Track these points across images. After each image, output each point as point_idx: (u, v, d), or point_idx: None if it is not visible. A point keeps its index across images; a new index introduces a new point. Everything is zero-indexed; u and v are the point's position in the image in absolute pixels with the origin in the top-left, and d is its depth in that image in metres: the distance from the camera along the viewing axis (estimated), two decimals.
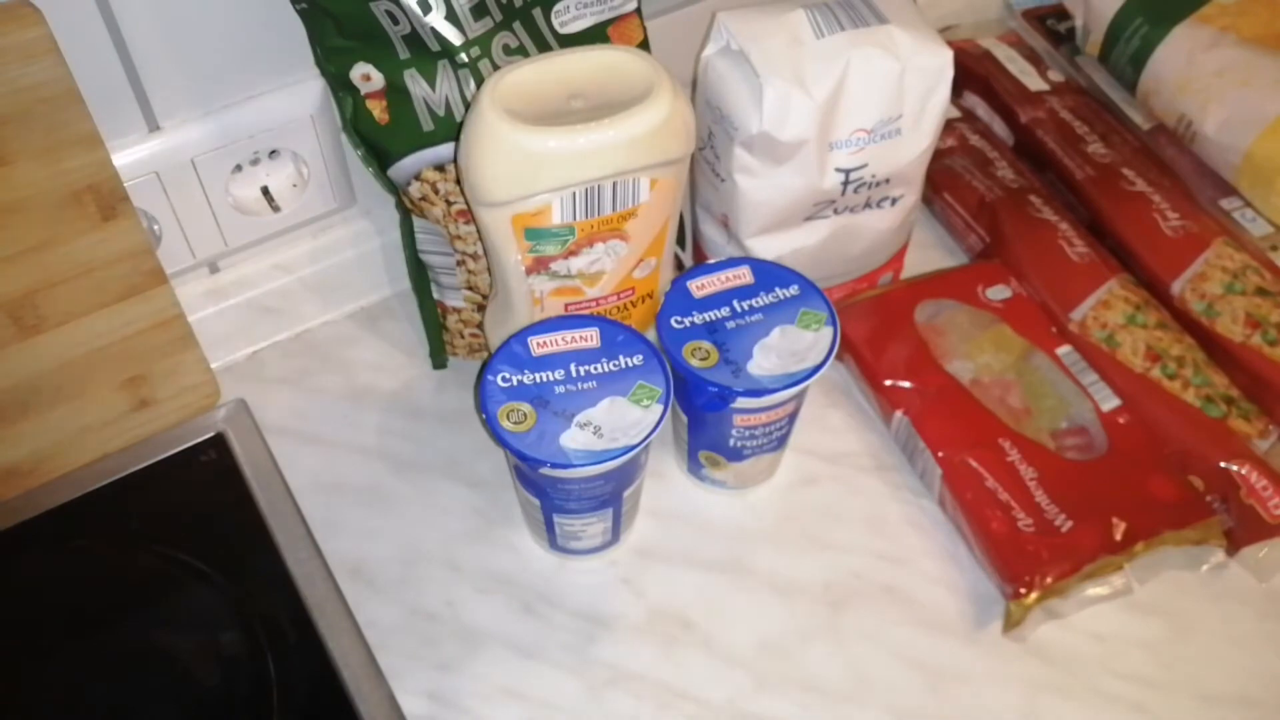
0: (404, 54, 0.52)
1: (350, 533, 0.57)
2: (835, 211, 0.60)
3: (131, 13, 0.52)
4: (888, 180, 0.59)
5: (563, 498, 0.51)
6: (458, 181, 0.54)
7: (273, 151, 0.60)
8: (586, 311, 0.55)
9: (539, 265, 0.53)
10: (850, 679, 0.53)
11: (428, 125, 0.54)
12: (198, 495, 0.58)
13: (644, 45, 0.58)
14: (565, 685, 0.53)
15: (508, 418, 0.48)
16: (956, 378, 0.60)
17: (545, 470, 0.48)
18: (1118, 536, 0.54)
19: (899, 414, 0.60)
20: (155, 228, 0.59)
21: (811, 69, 0.54)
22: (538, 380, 0.50)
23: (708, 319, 0.53)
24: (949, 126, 0.74)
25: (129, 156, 0.56)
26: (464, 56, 0.52)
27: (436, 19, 0.51)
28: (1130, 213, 0.67)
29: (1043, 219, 0.67)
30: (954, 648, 0.54)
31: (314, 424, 0.62)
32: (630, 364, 0.50)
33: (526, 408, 0.49)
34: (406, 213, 0.58)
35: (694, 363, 0.52)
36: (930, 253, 0.71)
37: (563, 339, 0.51)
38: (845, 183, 0.58)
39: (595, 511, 0.52)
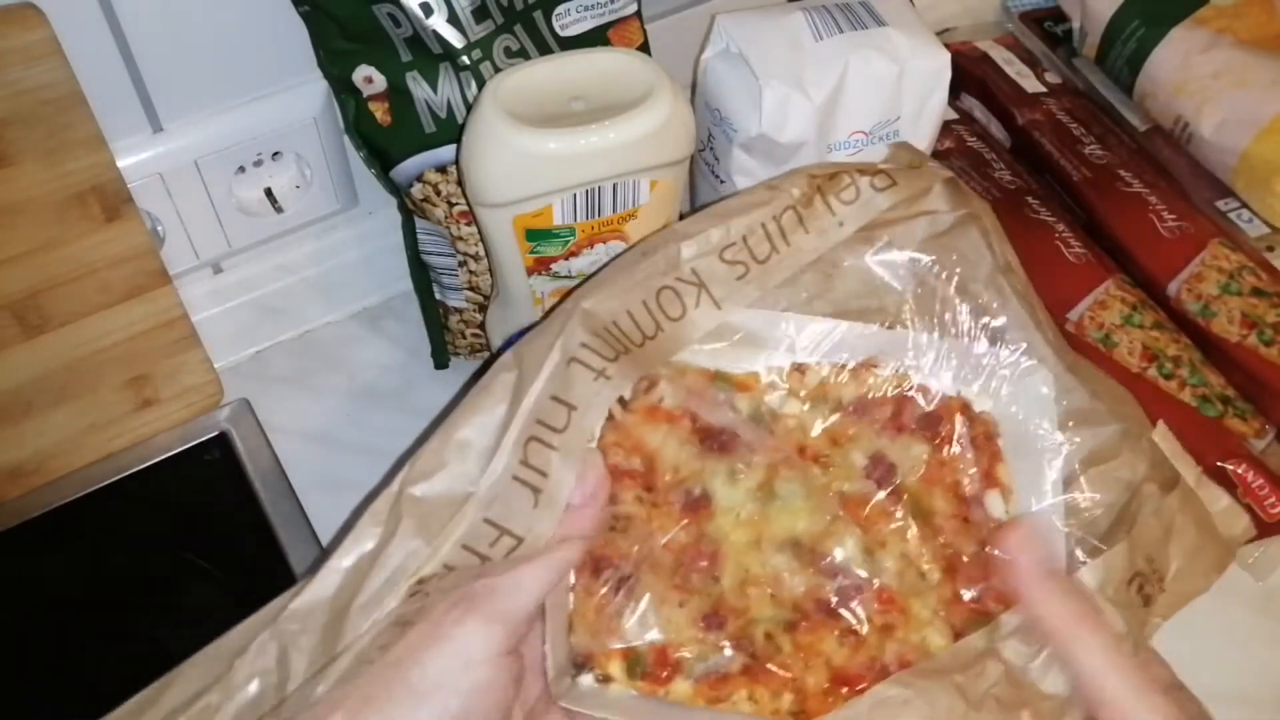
0: (406, 56, 0.53)
1: None
2: None
3: (135, 15, 0.52)
4: None
5: None
6: (459, 183, 0.54)
7: (276, 153, 0.61)
8: None
9: (540, 266, 0.53)
10: None
11: (430, 127, 0.54)
12: (201, 494, 0.59)
13: (644, 48, 0.58)
14: None
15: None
16: None
17: None
18: None
19: None
20: (159, 228, 0.59)
21: (810, 71, 0.54)
22: None
23: None
24: (947, 128, 0.75)
25: (132, 158, 0.56)
26: (466, 59, 0.53)
27: (438, 22, 0.52)
28: (1127, 214, 0.67)
29: (1040, 220, 0.68)
30: None
31: (317, 423, 0.62)
32: None
33: None
34: (408, 214, 0.59)
35: None
36: None
37: None
38: None
39: None
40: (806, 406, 0.42)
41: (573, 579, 0.39)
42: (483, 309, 0.61)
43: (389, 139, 0.55)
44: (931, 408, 0.43)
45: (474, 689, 0.33)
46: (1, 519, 0.57)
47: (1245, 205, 0.70)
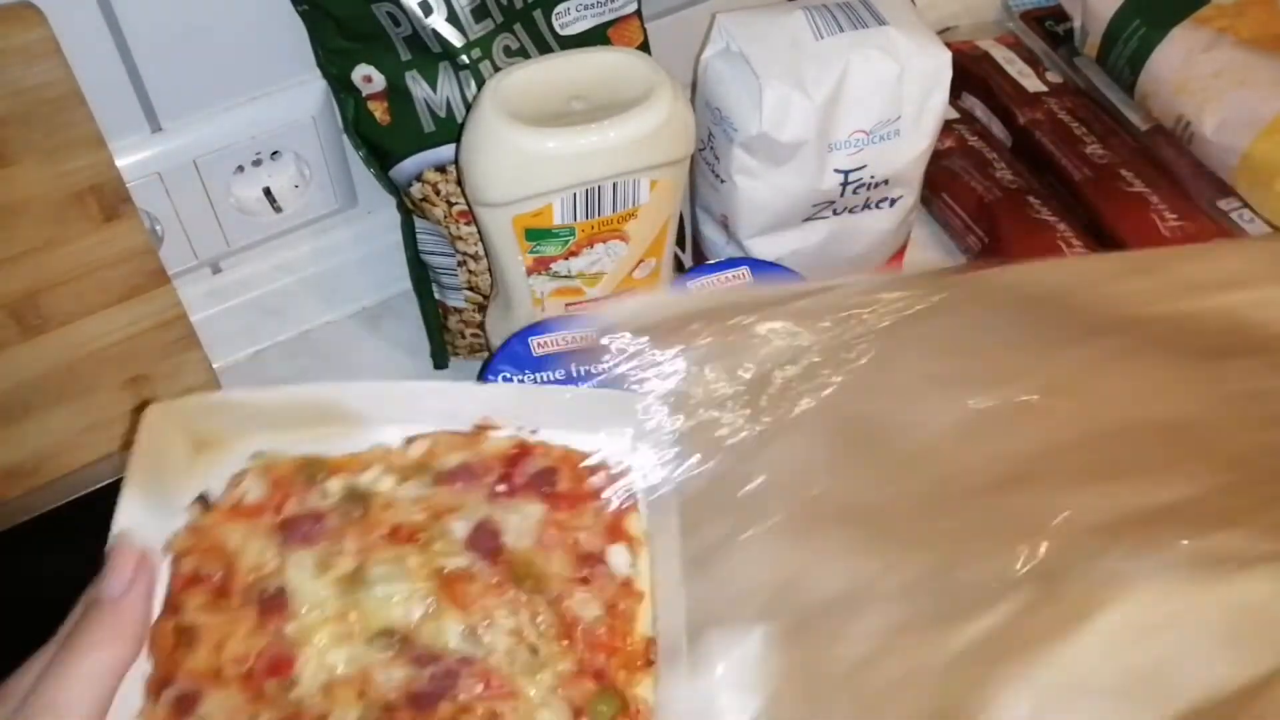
0: (405, 55, 0.53)
1: None
2: (834, 212, 0.60)
3: (133, 14, 0.52)
4: (886, 181, 0.59)
5: None
6: (459, 182, 0.54)
7: (275, 152, 0.61)
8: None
9: (540, 266, 0.53)
10: None
11: (429, 126, 0.54)
12: None
13: (644, 47, 0.58)
14: None
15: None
16: None
17: None
18: None
19: None
20: (157, 228, 0.59)
21: (811, 70, 0.54)
22: (538, 379, 0.50)
23: None
24: (947, 127, 0.75)
25: (131, 157, 0.56)
26: (465, 58, 0.53)
27: (438, 21, 0.52)
28: (1128, 213, 0.67)
29: (1041, 220, 0.68)
30: None
31: None
32: None
33: None
34: (408, 213, 0.59)
35: None
36: (929, 253, 0.72)
37: (563, 339, 0.51)
38: (844, 183, 0.58)
39: None
40: (400, 481, 0.39)
41: (140, 702, 0.35)
42: (482, 309, 0.61)
43: (388, 138, 0.54)
44: (549, 462, 0.40)
45: None
46: (0, 519, 0.57)
47: (1247, 205, 0.69)
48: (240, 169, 0.60)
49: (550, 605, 0.37)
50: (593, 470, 0.40)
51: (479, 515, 0.39)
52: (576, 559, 0.38)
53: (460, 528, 0.38)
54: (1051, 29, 0.81)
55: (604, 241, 0.53)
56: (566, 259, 0.53)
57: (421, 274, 0.61)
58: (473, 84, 0.53)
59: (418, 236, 0.60)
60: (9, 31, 0.48)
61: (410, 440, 0.40)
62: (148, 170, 0.57)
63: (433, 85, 0.53)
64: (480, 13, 0.52)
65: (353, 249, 0.67)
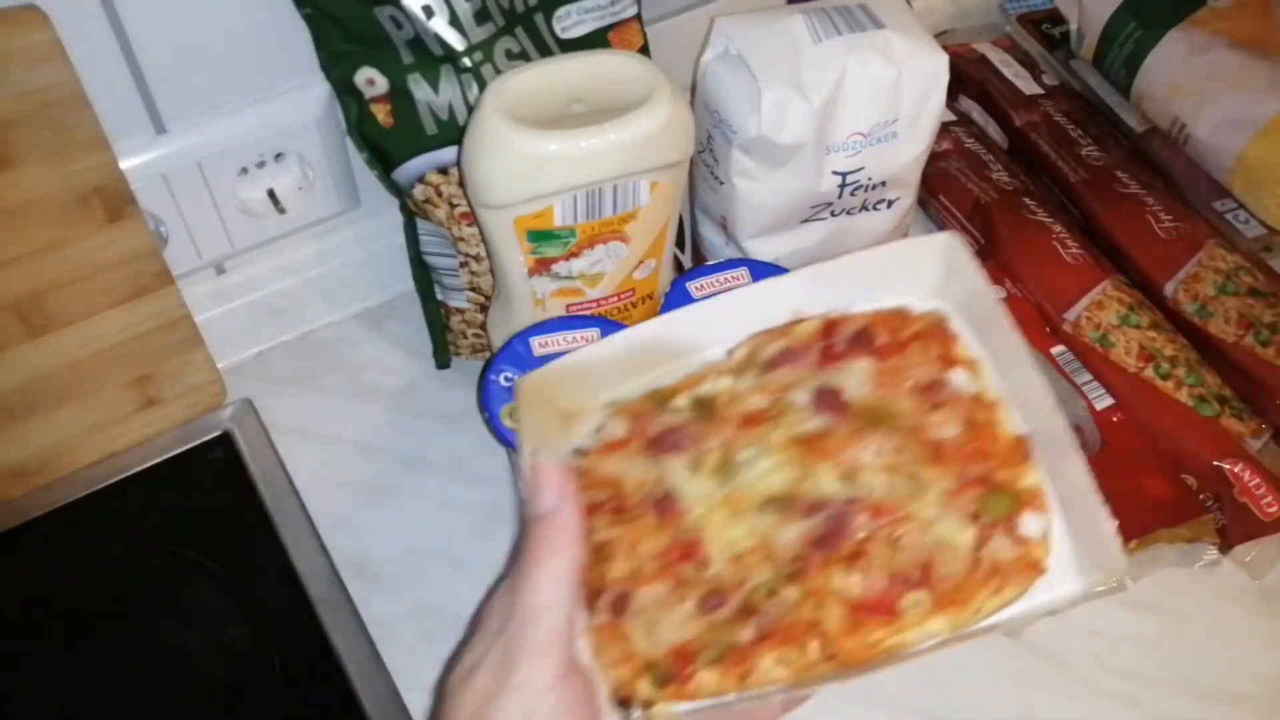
0: (408, 59, 0.53)
1: (355, 530, 0.58)
2: (832, 213, 0.61)
3: (138, 17, 0.53)
4: (884, 183, 0.60)
5: None
6: (461, 184, 0.54)
7: (278, 154, 0.61)
8: (587, 312, 0.56)
9: (541, 267, 0.53)
10: None
11: (431, 129, 0.54)
12: (204, 493, 0.59)
13: (644, 50, 0.59)
14: None
15: (510, 416, 0.49)
16: None
17: None
18: None
19: None
20: (162, 229, 0.60)
21: (809, 74, 0.55)
22: None
23: None
24: (944, 130, 0.75)
25: (136, 159, 0.56)
26: (467, 61, 0.53)
27: (440, 24, 0.52)
28: (1124, 215, 0.68)
29: (1037, 221, 0.68)
30: None
31: (319, 423, 0.63)
32: None
33: None
34: (410, 215, 0.59)
35: None
36: None
37: (564, 339, 0.52)
38: (842, 185, 0.59)
39: None
40: (736, 378, 0.43)
41: (585, 621, 0.39)
42: (484, 309, 0.61)
43: (391, 141, 0.55)
44: (861, 325, 0.43)
45: (551, 716, 0.35)
46: (5, 518, 0.57)
47: (1242, 206, 0.70)
48: (244, 171, 0.61)
49: (910, 436, 0.40)
50: (904, 319, 0.42)
51: (815, 384, 0.42)
52: (919, 392, 0.41)
53: (802, 397, 0.42)
54: (1048, 32, 0.81)
55: (604, 243, 0.53)
56: (567, 260, 0.53)
57: (424, 275, 0.62)
58: (474, 87, 0.54)
59: (420, 238, 0.60)
60: (13, 34, 0.49)
61: (731, 350, 0.43)
62: (152, 172, 0.57)
63: (435, 88, 0.54)
64: (482, 16, 0.53)
65: (355, 250, 0.68)
